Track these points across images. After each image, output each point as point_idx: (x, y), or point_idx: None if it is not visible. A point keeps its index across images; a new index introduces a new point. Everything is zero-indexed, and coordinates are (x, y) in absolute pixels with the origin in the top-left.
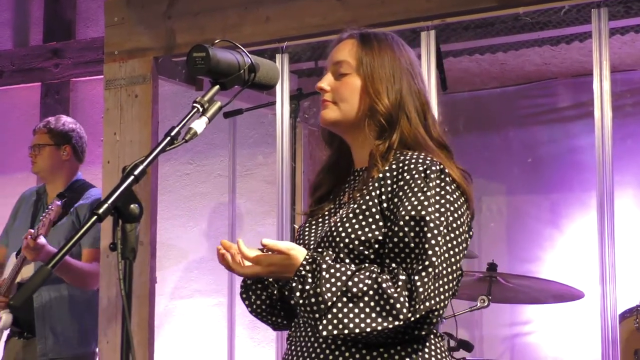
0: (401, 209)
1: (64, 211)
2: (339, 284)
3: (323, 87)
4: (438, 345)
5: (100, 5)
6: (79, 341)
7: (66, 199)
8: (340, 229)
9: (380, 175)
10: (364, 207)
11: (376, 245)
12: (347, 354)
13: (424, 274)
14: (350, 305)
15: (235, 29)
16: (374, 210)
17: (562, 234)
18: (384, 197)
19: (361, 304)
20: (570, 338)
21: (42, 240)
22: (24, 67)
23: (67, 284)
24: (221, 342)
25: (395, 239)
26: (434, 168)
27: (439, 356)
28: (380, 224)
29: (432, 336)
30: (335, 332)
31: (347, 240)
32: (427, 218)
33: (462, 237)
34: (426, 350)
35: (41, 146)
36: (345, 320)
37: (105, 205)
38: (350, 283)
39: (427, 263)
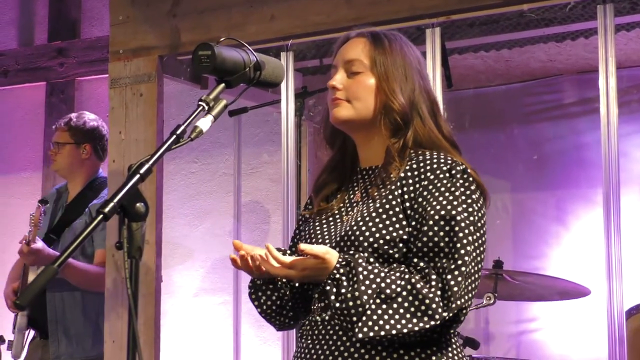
0: (429, 208)
1: (79, 210)
2: (373, 285)
3: (335, 85)
4: (453, 340)
5: (105, 4)
6: (92, 344)
7: (75, 200)
8: (364, 228)
9: (402, 174)
10: (387, 206)
11: (401, 245)
12: (384, 354)
13: (456, 272)
14: (384, 306)
15: (240, 27)
16: (397, 209)
17: (568, 231)
18: (406, 196)
19: (395, 305)
20: (577, 335)
21: (37, 244)
22: (29, 66)
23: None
24: (227, 340)
25: (425, 238)
26: (458, 168)
27: (460, 354)
28: (404, 223)
29: (452, 332)
30: (371, 334)
31: (371, 239)
32: (458, 218)
33: (485, 237)
34: (449, 348)
35: (61, 144)
36: (381, 322)
37: (111, 204)
38: (383, 284)
39: (459, 262)
